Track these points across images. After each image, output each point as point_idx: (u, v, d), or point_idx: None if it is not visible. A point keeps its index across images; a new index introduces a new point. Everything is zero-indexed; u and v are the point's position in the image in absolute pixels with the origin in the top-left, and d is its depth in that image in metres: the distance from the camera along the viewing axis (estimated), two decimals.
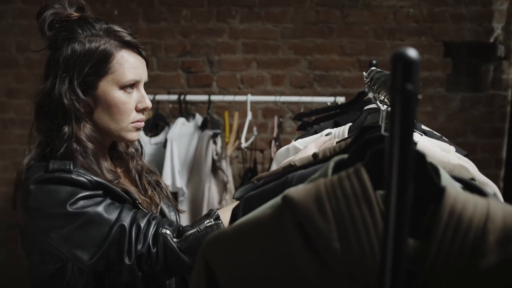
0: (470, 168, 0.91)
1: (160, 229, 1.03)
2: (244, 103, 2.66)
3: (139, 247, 1.00)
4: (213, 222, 1.08)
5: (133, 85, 1.12)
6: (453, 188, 0.58)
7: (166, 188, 1.31)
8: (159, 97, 2.72)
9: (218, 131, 2.47)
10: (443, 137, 1.25)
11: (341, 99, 2.57)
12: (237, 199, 0.93)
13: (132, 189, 1.15)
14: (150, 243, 1.01)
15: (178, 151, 2.49)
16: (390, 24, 3.10)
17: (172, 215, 1.25)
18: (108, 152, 1.19)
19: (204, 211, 2.42)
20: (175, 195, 2.52)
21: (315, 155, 0.92)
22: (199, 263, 0.68)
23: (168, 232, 1.04)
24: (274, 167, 1.19)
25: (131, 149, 1.24)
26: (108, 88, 1.09)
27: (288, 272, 0.60)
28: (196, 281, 0.70)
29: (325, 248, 0.56)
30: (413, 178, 0.52)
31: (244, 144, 2.47)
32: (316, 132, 1.36)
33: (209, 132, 2.50)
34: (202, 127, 2.57)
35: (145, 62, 1.16)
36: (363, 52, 3.13)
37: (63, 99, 1.05)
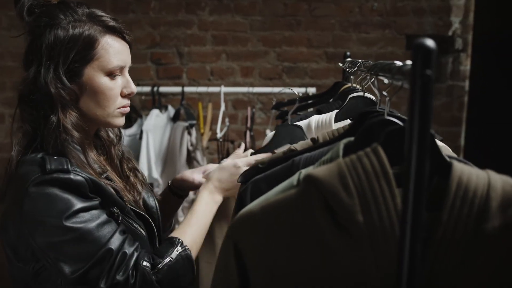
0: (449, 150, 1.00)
1: (141, 261, 1.04)
2: (214, 94, 2.71)
3: (119, 276, 1.01)
4: (181, 250, 1.10)
5: (118, 70, 1.11)
6: (458, 162, 0.65)
7: (142, 175, 1.31)
8: None
9: (194, 122, 2.50)
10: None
11: (312, 90, 2.64)
12: (242, 183, 0.97)
13: (118, 185, 1.15)
14: (130, 274, 1.02)
15: (153, 142, 2.51)
16: (355, 17, 3.20)
17: (151, 201, 1.27)
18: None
19: None
20: (151, 186, 2.53)
21: (314, 139, 0.98)
22: (227, 246, 0.72)
23: (147, 264, 1.04)
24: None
25: (112, 136, 1.24)
26: (94, 75, 1.07)
27: (314, 246, 0.65)
28: (223, 263, 0.74)
29: (349, 220, 0.62)
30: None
31: (219, 135, 2.51)
32: (306, 117, 1.42)
33: (183, 124, 2.53)
34: (175, 118, 2.59)
35: (129, 47, 1.16)
36: (330, 44, 3.22)
37: (49, 88, 1.03)
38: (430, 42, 0.56)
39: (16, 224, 1.02)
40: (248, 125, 2.63)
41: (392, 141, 0.68)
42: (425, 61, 0.57)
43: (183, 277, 1.10)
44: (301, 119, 1.47)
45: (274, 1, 3.17)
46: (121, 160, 1.24)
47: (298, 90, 2.69)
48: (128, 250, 1.03)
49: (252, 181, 0.89)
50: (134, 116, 2.74)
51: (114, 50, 1.09)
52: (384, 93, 0.80)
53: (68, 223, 0.98)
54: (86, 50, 1.06)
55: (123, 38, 1.13)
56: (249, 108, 2.70)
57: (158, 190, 2.55)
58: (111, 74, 1.09)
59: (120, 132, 1.27)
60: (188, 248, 1.12)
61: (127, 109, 1.16)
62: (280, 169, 0.88)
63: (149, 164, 2.48)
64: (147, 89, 2.68)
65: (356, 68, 1.21)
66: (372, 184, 0.63)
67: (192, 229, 1.17)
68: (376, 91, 0.87)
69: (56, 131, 1.04)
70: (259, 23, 3.19)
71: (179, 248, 1.10)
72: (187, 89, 2.71)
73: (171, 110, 2.65)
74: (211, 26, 3.19)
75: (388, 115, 0.80)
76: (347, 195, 0.63)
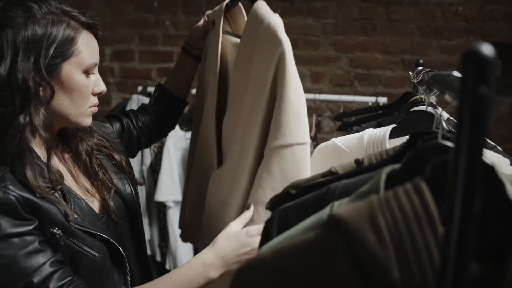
0: None
1: None
2: None
3: None
4: None
5: (93, 68, 1.07)
6: None
7: (120, 160, 1.23)
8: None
9: None
10: (497, 147, 1.15)
11: (383, 100, 2.46)
12: (269, 210, 0.85)
13: (78, 188, 1.10)
14: None
15: None
16: (437, 22, 2.97)
17: (126, 188, 1.21)
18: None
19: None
20: None
21: (358, 161, 0.84)
22: None
23: None
24: (313, 167, 1.11)
25: (79, 133, 1.16)
26: (72, 71, 1.02)
27: None
28: None
29: (382, 277, 0.49)
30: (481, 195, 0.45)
31: None
32: (358, 132, 1.28)
33: None
34: None
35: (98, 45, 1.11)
36: (407, 51, 3.01)
37: (28, 83, 0.97)
38: (486, 49, 0.42)
39: None
40: (313, 133, 2.50)
41: (442, 174, 0.54)
42: (478, 74, 0.43)
43: None
44: (357, 132, 1.34)
45: (349, 4, 3.02)
46: (90, 156, 1.16)
47: (368, 100, 2.53)
48: (53, 284, 0.93)
49: (280, 210, 0.77)
50: None
51: (90, 48, 1.05)
52: (439, 110, 0.66)
53: None
54: (66, 45, 1.01)
55: (95, 35, 1.09)
56: (314, 116, 2.57)
57: None
58: (87, 72, 1.05)
59: (90, 128, 1.18)
60: None
61: (96, 109, 1.11)
62: (312, 197, 0.75)
63: None
64: None
65: (419, 78, 1.06)
66: (411, 231, 0.49)
67: None
68: (431, 107, 0.72)
69: (22, 131, 0.97)
70: (331, 27, 3.05)
71: None
72: None
73: None
74: None
75: (446, 138, 0.65)
76: (379, 244, 0.50)
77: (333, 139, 1.14)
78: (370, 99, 2.53)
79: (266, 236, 0.79)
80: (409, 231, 0.49)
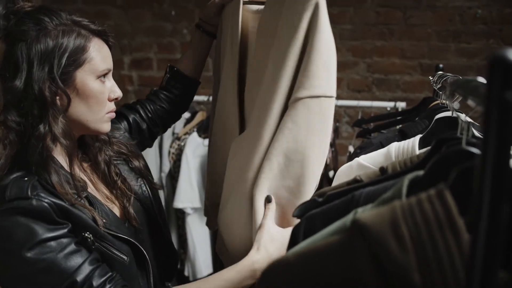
0: None
1: None
2: None
3: None
4: None
5: (106, 74, 1.09)
6: None
7: (139, 165, 1.25)
8: None
9: None
10: None
11: (401, 105, 2.45)
12: (297, 217, 0.86)
13: (99, 194, 1.12)
14: None
15: None
16: (455, 26, 2.95)
17: (144, 192, 1.23)
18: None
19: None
20: None
21: (382, 169, 0.84)
22: None
23: None
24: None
25: (98, 143, 1.19)
26: (86, 78, 1.05)
27: None
28: None
29: (403, 281, 0.49)
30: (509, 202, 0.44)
31: None
32: (381, 145, 1.27)
33: None
34: None
35: (110, 51, 1.13)
36: (426, 56, 2.99)
37: (44, 93, 0.99)
38: None
39: None
40: (331, 140, 2.48)
41: (466, 181, 0.54)
42: (505, 80, 0.42)
43: None
44: (380, 143, 1.32)
45: (366, 9, 3.01)
46: (108, 165, 1.18)
47: (387, 105, 2.52)
48: (96, 281, 0.96)
49: (306, 216, 0.78)
50: None
51: (102, 54, 1.08)
52: (463, 116, 0.65)
53: (30, 254, 0.93)
54: (78, 53, 1.03)
55: (106, 42, 1.11)
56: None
57: None
58: (101, 78, 1.07)
59: (109, 137, 1.21)
60: None
61: (114, 114, 1.13)
62: (337, 204, 0.75)
63: None
64: None
65: (440, 83, 1.05)
66: (433, 236, 0.49)
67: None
68: (456, 113, 0.72)
69: (43, 140, 1.00)
70: (349, 32, 3.04)
71: None
72: None
73: None
74: None
75: (470, 144, 0.65)
76: (400, 248, 0.49)
77: (356, 159, 1.10)
78: (389, 104, 2.51)
79: (293, 241, 0.80)
80: (431, 237, 0.49)
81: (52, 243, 0.95)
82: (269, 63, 1.11)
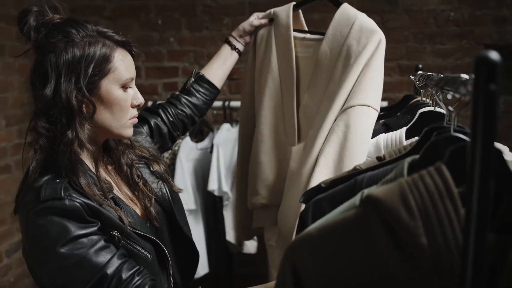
0: None
1: (144, 286, 1.05)
2: None
3: None
4: None
5: (130, 82, 1.15)
6: None
7: (159, 169, 1.33)
8: None
9: None
10: None
11: (383, 104, 2.58)
12: (304, 203, 0.96)
13: (122, 195, 1.18)
14: None
15: (223, 156, 2.55)
16: (430, 28, 3.11)
17: (164, 194, 1.30)
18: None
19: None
20: (221, 199, 2.58)
21: (380, 158, 0.96)
22: (285, 267, 0.72)
23: None
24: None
25: (121, 147, 1.26)
26: (111, 87, 1.11)
27: (374, 269, 0.63)
28: (281, 286, 0.74)
29: (412, 243, 0.60)
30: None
31: None
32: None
33: None
34: None
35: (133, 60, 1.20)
36: (404, 57, 3.14)
37: (71, 101, 1.06)
38: (494, 55, 0.53)
39: (29, 252, 1.06)
40: None
41: (458, 159, 0.65)
42: (489, 75, 0.54)
43: None
44: None
45: None
46: (131, 168, 1.25)
47: None
48: (125, 274, 1.03)
49: (314, 201, 0.88)
50: (206, 130, 2.81)
51: (125, 64, 1.14)
52: (450, 108, 0.77)
53: (64, 250, 1.00)
54: (103, 63, 1.10)
55: (130, 52, 1.18)
56: None
57: (228, 204, 2.59)
58: (124, 86, 1.14)
59: (131, 141, 1.29)
60: None
61: (136, 120, 1.21)
62: (342, 189, 0.86)
63: (219, 177, 2.53)
64: (218, 103, 2.75)
65: (424, 82, 1.17)
66: (436, 205, 0.61)
67: None
68: (443, 106, 0.84)
69: (71, 145, 1.07)
70: None
71: None
72: None
73: None
74: None
75: (456, 131, 0.77)
76: (409, 216, 0.61)
77: None
78: None
79: (301, 224, 0.89)
80: (434, 205, 0.60)
81: (84, 240, 1.02)
82: (330, 84, 1.34)
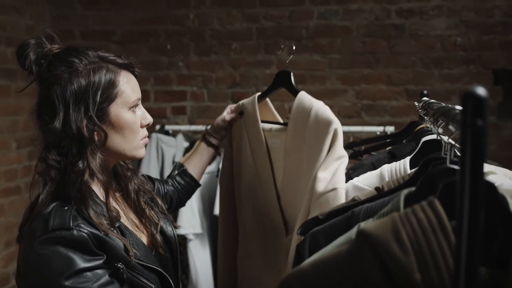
0: None
1: None
2: None
3: None
4: None
5: (137, 103, 1.15)
6: None
7: (160, 203, 1.33)
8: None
9: None
10: (499, 166, 1.26)
11: (390, 129, 2.58)
12: (301, 235, 0.95)
13: (129, 223, 1.18)
14: None
15: None
16: (437, 53, 3.12)
17: (169, 231, 1.30)
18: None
19: None
20: None
21: (378, 189, 0.95)
22: None
23: None
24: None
25: (128, 173, 1.26)
26: (120, 111, 1.11)
27: None
28: None
29: (406, 279, 0.60)
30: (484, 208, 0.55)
31: None
32: (373, 165, 1.38)
33: None
34: None
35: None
36: (411, 82, 3.15)
37: (83, 132, 1.06)
38: (481, 91, 0.54)
39: (27, 281, 1.03)
40: None
41: (451, 192, 0.65)
42: (475, 110, 0.54)
43: None
44: (372, 164, 1.44)
45: (352, 39, 3.17)
46: (137, 194, 1.25)
47: (376, 129, 2.65)
48: None
49: (310, 233, 0.87)
50: None
51: (131, 85, 1.14)
52: (446, 139, 0.77)
53: (67, 283, 0.97)
54: (110, 89, 1.09)
55: (133, 73, 1.18)
56: None
57: None
58: (132, 108, 1.14)
59: (134, 167, 1.30)
60: None
61: (147, 140, 1.21)
62: (339, 221, 0.86)
63: None
64: None
65: (425, 110, 1.17)
66: (429, 240, 0.60)
67: None
68: (440, 136, 0.84)
69: (82, 175, 1.06)
70: (337, 61, 3.20)
71: None
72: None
73: None
74: (290, 66, 3.23)
75: (452, 162, 0.77)
76: (402, 251, 0.60)
77: (351, 181, 1.22)
78: (378, 129, 2.64)
79: (298, 257, 0.88)
80: (427, 240, 0.60)
81: (88, 274, 1.00)
82: (302, 176, 1.39)
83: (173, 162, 2.71)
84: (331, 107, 3.17)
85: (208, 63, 3.32)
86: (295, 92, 1.56)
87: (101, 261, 1.03)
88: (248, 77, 3.29)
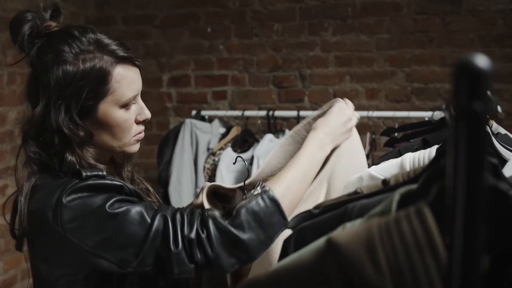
0: None
1: (207, 212, 0.96)
2: None
3: (186, 231, 0.92)
4: (260, 191, 0.97)
5: (132, 101, 1.05)
6: None
7: (155, 194, 1.25)
8: (248, 112, 2.73)
9: None
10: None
11: (441, 114, 2.36)
12: (291, 229, 0.83)
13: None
14: (198, 227, 0.93)
15: None
16: (499, 30, 2.82)
17: None
18: None
19: None
20: None
21: (384, 181, 0.80)
22: None
23: (216, 213, 0.95)
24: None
25: (121, 158, 1.18)
26: (109, 110, 1.01)
27: None
28: None
29: None
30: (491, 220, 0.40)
31: None
32: (399, 153, 1.22)
33: None
34: None
35: (139, 71, 1.08)
36: None
37: (63, 129, 0.97)
38: (480, 60, 0.39)
39: (55, 247, 0.97)
40: (366, 151, 2.42)
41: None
42: (471, 89, 0.39)
43: (268, 223, 0.95)
44: (399, 151, 1.27)
45: (403, 17, 2.94)
46: (132, 182, 1.17)
47: (425, 115, 2.44)
48: (184, 211, 0.97)
49: (298, 229, 0.76)
50: (250, 140, 2.71)
51: (128, 81, 1.02)
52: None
53: (112, 210, 0.93)
54: (99, 85, 0.99)
55: (134, 64, 1.05)
56: (368, 134, 2.50)
57: None
58: (126, 106, 1.03)
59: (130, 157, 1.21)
60: (270, 189, 0.98)
61: (142, 135, 1.10)
62: (330, 217, 0.73)
63: None
64: (263, 113, 2.65)
65: None
66: (412, 260, 0.46)
67: (288, 176, 1.03)
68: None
69: (74, 166, 0.99)
70: (385, 42, 2.98)
71: (258, 189, 0.98)
72: (304, 113, 2.61)
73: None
74: (334, 47, 3.06)
75: None
76: (375, 272, 0.46)
77: (367, 169, 1.05)
78: (427, 114, 2.43)
79: (283, 253, 0.78)
80: (409, 260, 0.46)
81: (129, 198, 0.98)
82: None
83: (208, 149, 2.62)
84: (378, 91, 3.00)
85: (249, 46, 3.20)
86: None
87: (136, 199, 1.00)
88: (290, 60, 3.13)
